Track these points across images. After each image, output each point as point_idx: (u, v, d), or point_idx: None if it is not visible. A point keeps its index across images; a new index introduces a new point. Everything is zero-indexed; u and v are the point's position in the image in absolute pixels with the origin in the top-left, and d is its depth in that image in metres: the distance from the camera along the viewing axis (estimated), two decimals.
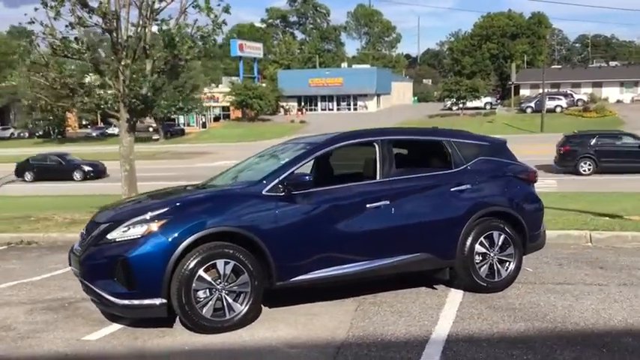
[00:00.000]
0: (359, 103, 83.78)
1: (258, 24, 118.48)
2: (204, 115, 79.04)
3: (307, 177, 6.21)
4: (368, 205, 6.43)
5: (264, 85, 78.87)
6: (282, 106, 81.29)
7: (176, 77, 15.49)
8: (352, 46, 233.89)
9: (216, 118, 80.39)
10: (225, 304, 5.84)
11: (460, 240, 6.82)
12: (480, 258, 6.97)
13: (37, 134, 73.80)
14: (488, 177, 7.17)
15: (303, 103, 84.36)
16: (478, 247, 6.93)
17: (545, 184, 20.45)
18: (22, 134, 76.18)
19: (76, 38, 13.91)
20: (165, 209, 5.92)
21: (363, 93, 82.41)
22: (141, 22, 13.67)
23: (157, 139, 63.71)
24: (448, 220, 6.79)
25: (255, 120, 73.34)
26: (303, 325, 5.98)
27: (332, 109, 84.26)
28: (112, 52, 13.91)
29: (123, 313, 5.85)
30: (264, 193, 6.12)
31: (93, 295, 5.97)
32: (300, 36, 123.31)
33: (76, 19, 13.53)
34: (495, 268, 7.03)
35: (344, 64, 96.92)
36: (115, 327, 6.06)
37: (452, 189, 6.89)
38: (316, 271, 6.22)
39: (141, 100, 13.70)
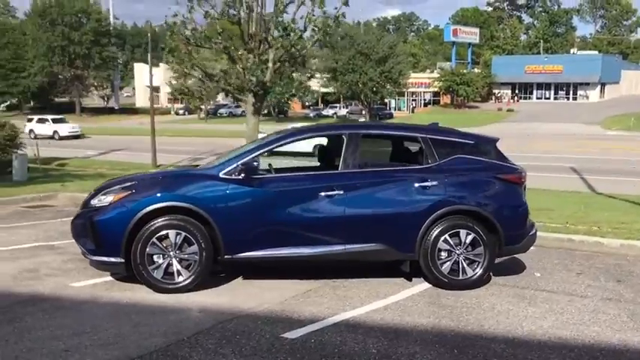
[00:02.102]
0: (579, 92, 78.54)
1: (483, 7, 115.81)
2: (415, 100, 79.83)
3: (254, 163, 6.84)
4: (321, 194, 6.88)
5: (476, 70, 77.37)
6: (494, 94, 79.10)
7: (302, 65, 16.56)
8: (585, 30, 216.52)
9: (427, 104, 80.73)
10: (175, 269, 6.75)
11: (420, 235, 6.97)
12: (445, 255, 7.05)
13: (263, 112, 79.97)
14: (461, 175, 7.18)
15: (517, 91, 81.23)
16: (442, 244, 7.02)
17: None
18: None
19: (212, 30, 15.59)
20: (132, 183, 6.99)
21: (585, 81, 77.08)
22: (266, 15, 14.93)
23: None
24: (407, 215, 6.98)
25: (462, 107, 72.44)
26: (242, 296, 6.66)
27: (548, 98, 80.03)
28: (242, 42, 15.38)
29: (95, 266, 7.02)
30: (220, 175, 6.89)
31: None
32: (527, 20, 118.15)
33: (214, 12, 15.16)
34: (461, 266, 7.07)
35: (573, 50, 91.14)
36: (102, 279, 7.23)
37: (415, 184, 7.04)
38: (263, 250, 6.85)
39: (260, 86, 15.02)
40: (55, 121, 51.64)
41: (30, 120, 52.95)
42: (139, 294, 6.66)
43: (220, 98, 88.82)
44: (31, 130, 48.83)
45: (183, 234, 6.69)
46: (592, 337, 5.59)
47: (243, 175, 6.82)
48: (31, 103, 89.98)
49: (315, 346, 5.22)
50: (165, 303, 6.36)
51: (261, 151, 7.12)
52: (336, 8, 15.11)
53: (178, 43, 15.40)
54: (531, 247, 7.75)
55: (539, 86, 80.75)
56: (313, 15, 14.37)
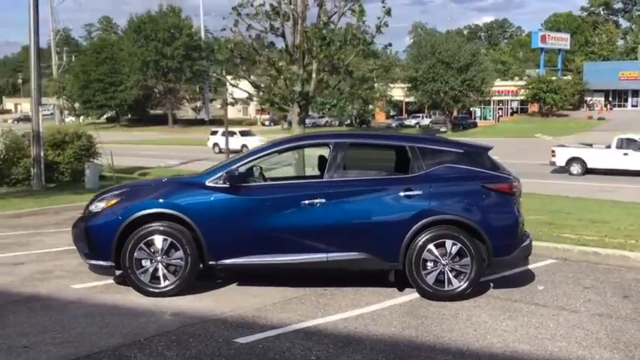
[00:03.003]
0: None
1: (577, 12, 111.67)
2: (501, 109, 77.95)
3: (237, 172, 7.00)
4: (303, 202, 6.96)
5: (566, 77, 74.66)
6: (586, 101, 76.01)
7: (349, 75, 16.59)
8: None
9: (514, 112, 78.62)
10: (161, 273, 7.00)
11: (404, 245, 6.91)
12: (431, 265, 6.96)
13: (345, 123, 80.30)
14: (447, 184, 7.07)
15: (610, 98, 77.71)
16: (427, 254, 6.93)
17: None
18: (333, 122, 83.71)
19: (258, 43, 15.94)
20: (122, 190, 7.33)
21: None
22: (307, 27, 15.09)
23: (444, 132, 65.12)
24: (391, 224, 6.94)
25: (549, 115, 70.04)
26: (223, 301, 6.82)
27: None
28: (286, 53, 15.62)
29: (91, 269, 7.38)
30: (206, 183, 7.09)
31: None
32: (624, 24, 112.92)
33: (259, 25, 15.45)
34: (446, 277, 6.95)
35: None
36: (102, 282, 7.56)
37: (400, 194, 6.99)
38: (246, 257, 6.99)
39: (303, 96, 15.19)
40: (242, 134, 45.82)
41: (214, 133, 47.10)
42: (128, 297, 6.94)
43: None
44: (215, 144, 44.72)
45: (170, 240, 6.93)
46: (551, 353, 5.40)
47: (227, 183, 6.99)
48: (129, 115, 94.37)
49: (260, 351, 5.30)
50: (144, 306, 6.61)
51: (247, 160, 7.28)
52: (378, 18, 15.08)
53: (225, 56, 15.81)
54: (527, 258, 7.54)
55: (635, 93, 76.89)
56: (351, 25, 14.42)
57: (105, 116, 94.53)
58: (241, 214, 6.97)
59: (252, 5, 14.98)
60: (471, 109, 73.85)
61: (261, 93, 16.03)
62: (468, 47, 63.13)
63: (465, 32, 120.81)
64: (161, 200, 7.04)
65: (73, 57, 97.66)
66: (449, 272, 6.94)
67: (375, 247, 6.94)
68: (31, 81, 21.75)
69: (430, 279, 6.94)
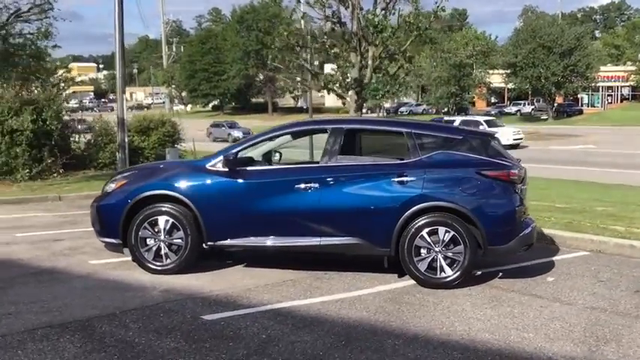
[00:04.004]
0: None
1: None
2: (610, 95, 73.91)
3: (233, 156, 7.19)
4: (296, 186, 7.07)
5: None
6: None
7: (409, 62, 16.40)
8: None
9: (625, 99, 74.34)
10: (163, 252, 7.34)
11: (396, 231, 6.88)
12: (425, 252, 6.90)
13: (442, 111, 78.99)
14: (442, 171, 6.95)
15: None
16: (419, 241, 6.87)
17: None
18: (430, 110, 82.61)
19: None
20: (130, 172, 7.72)
21: None
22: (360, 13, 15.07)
23: (545, 119, 62.70)
24: (382, 210, 6.92)
25: None
26: (218, 281, 7.06)
27: None
28: (344, 41, 15.69)
29: (105, 247, 7.81)
30: (207, 166, 7.35)
31: None
32: None
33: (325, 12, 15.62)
34: (439, 264, 6.87)
35: None
36: (117, 259, 7.95)
37: (393, 179, 6.95)
38: (242, 239, 7.20)
39: (358, 83, 15.22)
40: (489, 123, 37.01)
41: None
42: (132, 273, 7.32)
43: (404, 97, 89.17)
44: None
45: (171, 220, 7.24)
46: (509, 342, 5.26)
47: (226, 167, 7.21)
48: (232, 104, 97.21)
49: (218, 327, 5.49)
50: (141, 282, 6.96)
51: (245, 145, 7.48)
52: (436, 2, 14.84)
53: (284, 44, 16.05)
54: (529, 247, 7.30)
55: None
56: (402, 10, 14.28)
57: (210, 104, 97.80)
58: (237, 197, 7.18)
59: None
60: (578, 95, 70.47)
61: (320, 81, 16.16)
62: (572, 31, 60.13)
63: (579, 15, 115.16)
64: (164, 182, 7.36)
65: (182, 47, 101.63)
66: (442, 260, 6.85)
67: (367, 232, 6.95)
68: (116, 70, 22.86)
69: (422, 266, 6.87)
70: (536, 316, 5.94)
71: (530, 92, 68.12)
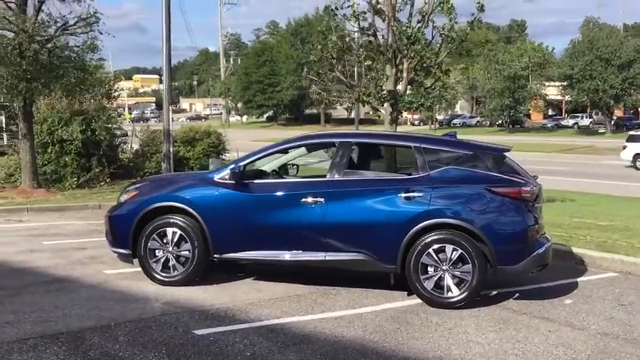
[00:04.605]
0: None
1: None
2: None
3: (240, 169, 7.15)
4: (302, 200, 6.97)
5: None
6: None
7: (445, 74, 16.10)
8: None
9: None
10: (171, 263, 7.34)
11: (402, 248, 6.71)
12: (432, 270, 6.70)
13: (496, 123, 77.60)
14: (451, 187, 6.75)
15: None
16: (426, 259, 6.68)
17: None
18: (483, 122, 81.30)
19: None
20: (142, 184, 7.78)
21: None
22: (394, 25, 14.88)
23: (603, 133, 60.86)
24: (388, 226, 6.75)
25: None
26: (223, 294, 7.00)
27: None
28: (379, 53, 15.54)
29: (118, 257, 7.87)
30: (215, 179, 7.34)
31: None
32: None
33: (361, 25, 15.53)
34: (446, 283, 6.66)
35: None
36: (131, 270, 8.00)
37: (400, 195, 6.79)
38: (248, 252, 7.14)
39: (392, 95, 15.02)
40: None
41: (634, 138, 33.21)
42: (141, 284, 7.33)
43: (458, 108, 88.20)
44: (637, 155, 31.89)
45: (179, 232, 7.25)
46: None
47: (232, 179, 7.18)
48: (286, 115, 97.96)
49: (205, 343, 5.42)
50: (146, 293, 6.97)
51: (252, 158, 7.44)
52: (472, 14, 14.52)
53: (321, 55, 15.98)
54: (542, 269, 7.01)
55: None
56: (435, 22, 14.01)
57: (265, 115, 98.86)
58: (243, 209, 7.14)
59: (343, 7, 15.05)
60: (639, 109, 68.22)
61: (354, 92, 16.01)
62: (632, 43, 58.24)
63: None
64: (173, 194, 7.38)
65: (239, 60, 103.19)
66: (449, 278, 6.64)
67: (372, 248, 6.80)
68: (164, 82, 23.25)
69: (429, 284, 6.67)
70: (540, 342, 5.67)
71: (588, 105, 66.32)
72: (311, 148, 7.94)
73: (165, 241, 7.31)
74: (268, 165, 8.01)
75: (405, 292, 7.08)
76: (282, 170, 8.17)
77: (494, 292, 7.27)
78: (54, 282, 7.44)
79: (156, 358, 5.03)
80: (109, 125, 19.78)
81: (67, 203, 15.27)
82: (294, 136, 7.87)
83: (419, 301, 6.81)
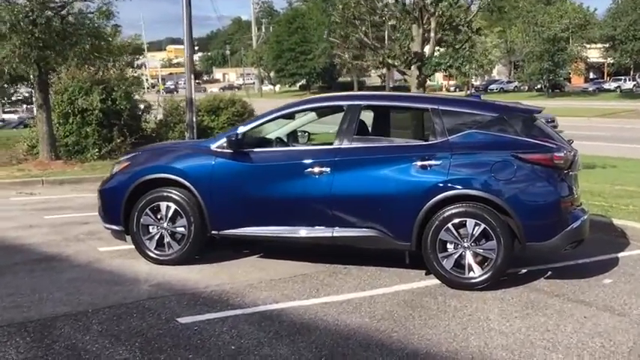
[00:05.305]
0: None
1: None
2: None
3: (237, 136, 6.43)
4: (306, 171, 6.25)
5: None
6: None
7: (476, 33, 15.09)
8: None
9: None
10: (166, 241, 6.71)
11: (417, 222, 5.97)
12: (451, 247, 5.95)
13: (535, 88, 75.34)
14: (473, 154, 5.94)
15: None
16: (444, 235, 5.93)
17: None
18: (522, 87, 79.05)
19: None
20: (132, 154, 7.12)
21: None
22: None
23: None
24: (402, 198, 6.00)
25: None
26: (223, 274, 6.36)
27: None
28: (404, 11, 14.59)
29: (112, 234, 7.27)
30: (212, 148, 6.64)
31: None
32: None
33: None
34: (467, 262, 5.90)
35: None
36: (130, 246, 7.42)
37: (415, 163, 6.01)
38: (248, 228, 6.46)
39: (417, 57, 14.10)
40: None
41: None
42: (134, 263, 6.73)
43: (495, 74, 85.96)
44: None
45: (174, 207, 6.61)
46: None
47: (230, 148, 6.49)
48: (319, 83, 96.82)
49: (188, 333, 4.78)
50: (136, 274, 6.37)
51: (252, 124, 6.72)
52: None
53: (343, 15, 15.10)
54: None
55: None
56: None
57: (298, 84, 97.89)
58: (241, 181, 6.46)
59: None
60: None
61: (379, 55, 15.12)
62: None
63: None
64: (166, 165, 6.73)
65: (271, 28, 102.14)
66: (471, 257, 5.88)
67: (384, 223, 6.07)
68: (185, 51, 22.59)
69: (448, 263, 5.92)
70: (574, 331, 4.90)
71: (631, 67, 63.74)
72: (320, 113, 7.19)
73: (159, 216, 6.68)
74: (275, 132, 7.30)
75: (423, 272, 6.35)
76: (291, 138, 7.45)
77: (524, 271, 6.50)
78: (42, 261, 6.89)
79: (126, 353, 4.40)
80: (130, 94, 19.25)
81: (84, 175, 14.86)
82: (300, 99, 7.09)
83: (437, 282, 6.08)
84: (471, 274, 5.88)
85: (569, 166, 5.97)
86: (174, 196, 6.58)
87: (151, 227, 6.72)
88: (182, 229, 6.60)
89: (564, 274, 6.45)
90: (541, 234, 5.80)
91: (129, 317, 5.10)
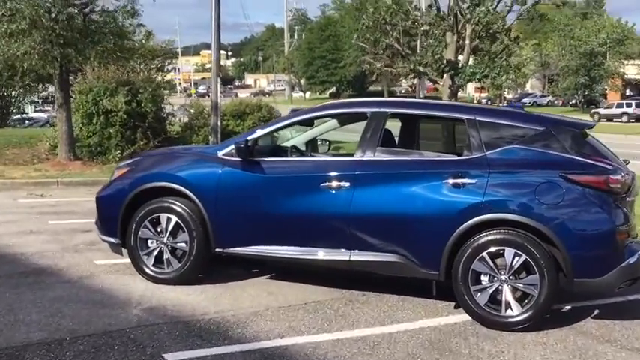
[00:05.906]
0: None
1: None
2: None
3: (246, 143, 5.73)
4: (322, 185, 5.53)
5: None
6: None
7: (514, 42, 14.28)
8: None
9: None
10: (165, 257, 6.03)
11: (447, 249, 5.20)
12: (486, 279, 5.17)
13: (570, 103, 73.67)
14: (514, 172, 5.16)
15: None
16: (478, 265, 5.15)
17: None
18: (556, 102, 77.37)
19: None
20: (131, 161, 6.46)
21: None
22: None
23: None
24: (430, 220, 5.24)
25: None
26: (226, 299, 5.67)
27: None
28: (439, 18, 13.88)
29: (110, 247, 6.59)
30: (219, 155, 5.96)
31: None
32: None
33: None
34: (504, 297, 5.11)
35: None
36: (127, 261, 6.79)
37: (447, 181, 5.24)
38: (255, 246, 5.76)
39: (451, 66, 13.35)
40: None
41: None
42: (129, 281, 6.09)
43: (529, 87, 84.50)
44: None
45: (175, 219, 5.93)
46: None
47: (239, 156, 5.79)
48: (350, 91, 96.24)
49: None
50: (129, 293, 5.70)
51: (265, 131, 6.02)
52: None
53: (374, 19, 14.46)
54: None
55: None
56: None
57: (328, 92, 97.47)
58: (250, 193, 5.76)
59: None
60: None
61: (409, 62, 14.42)
62: None
63: None
64: (167, 173, 6.06)
65: (303, 35, 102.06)
66: (509, 292, 5.09)
67: (409, 248, 5.31)
68: (212, 55, 22.13)
69: (482, 298, 5.14)
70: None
71: None
72: (341, 120, 6.46)
73: (159, 229, 6.01)
74: (292, 140, 6.61)
75: (452, 304, 5.57)
76: (309, 147, 6.75)
77: (567, 307, 5.69)
78: (30, 274, 6.26)
79: None
80: (158, 97, 18.72)
81: (102, 177, 14.27)
82: (318, 105, 6.37)
83: (468, 318, 5.30)
84: (509, 312, 5.08)
85: (626, 190, 5.15)
86: (175, 208, 5.91)
87: (149, 241, 6.06)
88: (183, 244, 5.92)
89: (614, 314, 5.63)
90: (592, 269, 4.98)
91: (109, 350, 4.41)
